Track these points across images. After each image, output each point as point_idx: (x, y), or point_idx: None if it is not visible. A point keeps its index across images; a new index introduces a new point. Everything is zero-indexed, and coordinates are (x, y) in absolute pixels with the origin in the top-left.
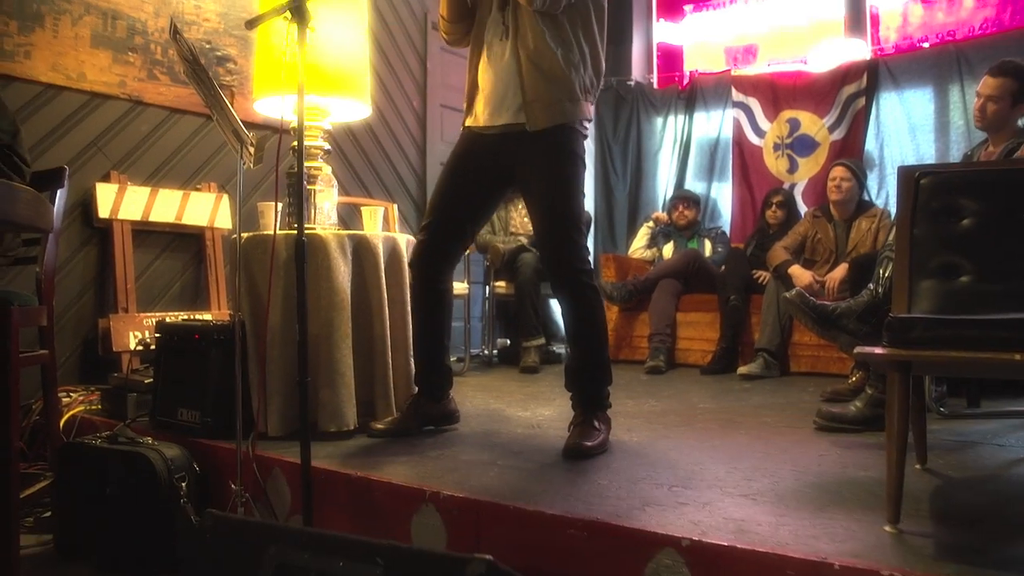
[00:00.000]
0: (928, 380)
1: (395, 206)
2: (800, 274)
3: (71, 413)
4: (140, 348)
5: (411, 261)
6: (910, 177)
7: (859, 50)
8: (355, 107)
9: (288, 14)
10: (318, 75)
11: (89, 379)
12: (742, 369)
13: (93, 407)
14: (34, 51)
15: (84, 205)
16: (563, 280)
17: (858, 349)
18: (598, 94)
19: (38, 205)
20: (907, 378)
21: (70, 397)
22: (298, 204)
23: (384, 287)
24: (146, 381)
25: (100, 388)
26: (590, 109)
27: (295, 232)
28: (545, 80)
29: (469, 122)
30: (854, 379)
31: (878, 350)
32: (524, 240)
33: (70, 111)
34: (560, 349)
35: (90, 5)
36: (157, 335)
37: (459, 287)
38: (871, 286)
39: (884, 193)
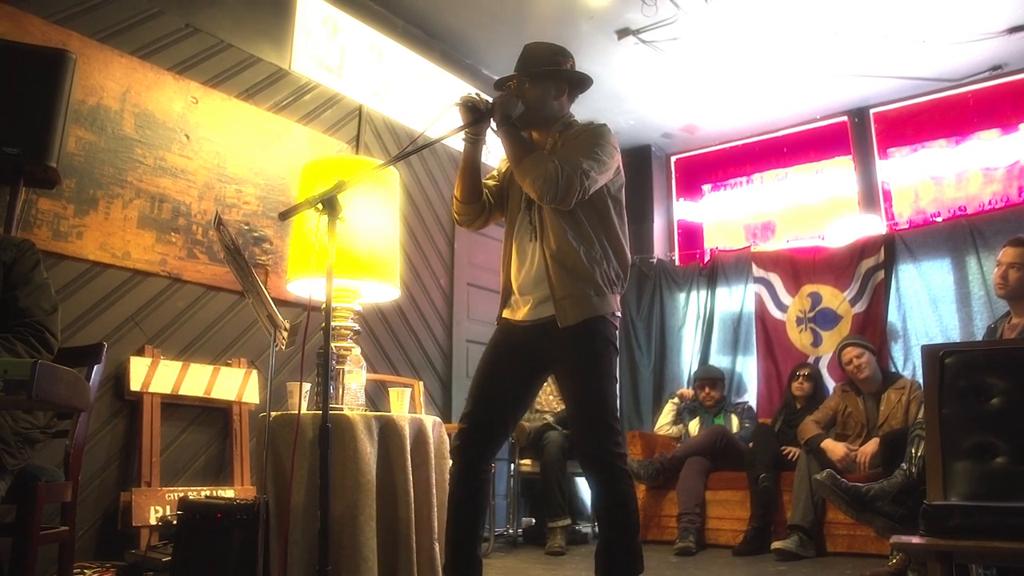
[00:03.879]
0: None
1: (421, 383)
2: (833, 447)
3: None
4: (160, 524)
5: (452, 449)
6: (934, 356)
7: (874, 225)
8: (385, 289)
9: (320, 206)
10: (349, 260)
11: (106, 554)
12: (776, 544)
13: None
14: (86, 232)
15: (117, 378)
16: (596, 465)
17: (895, 538)
18: (626, 286)
19: (77, 385)
20: (950, 567)
21: (84, 574)
22: (324, 390)
23: (410, 469)
24: (164, 559)
25: (116, 565)
26: (617, 301)
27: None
28: (570, 276)
29: (506, 314)
30: (894, 561)
31: (915, 539)
32: (550, 418)
33: (113, 287)
34: (587, 528)
35: (141, 190)
36: (179, 512)
37: None
38: (904, 466)
39: (911, 364)
